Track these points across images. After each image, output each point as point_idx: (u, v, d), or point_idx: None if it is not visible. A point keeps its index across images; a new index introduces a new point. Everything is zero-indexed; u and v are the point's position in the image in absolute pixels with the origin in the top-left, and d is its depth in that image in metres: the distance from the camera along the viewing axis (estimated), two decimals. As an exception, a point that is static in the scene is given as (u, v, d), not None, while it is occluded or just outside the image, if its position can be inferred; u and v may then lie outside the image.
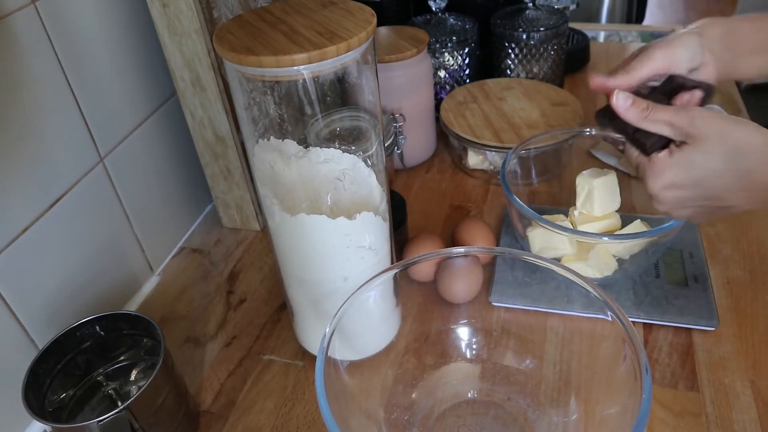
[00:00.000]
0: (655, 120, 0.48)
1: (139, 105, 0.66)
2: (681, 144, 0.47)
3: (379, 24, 0.53)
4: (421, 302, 0.56)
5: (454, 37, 0.88)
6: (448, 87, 0.92)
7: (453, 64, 0.90)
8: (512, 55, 0.91)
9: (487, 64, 0.96)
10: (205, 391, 0.57)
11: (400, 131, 0.74)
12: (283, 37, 0.41)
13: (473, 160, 0.81)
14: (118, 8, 0.61)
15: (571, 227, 0.61)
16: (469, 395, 0.53)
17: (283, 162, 0.50)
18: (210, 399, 0.56)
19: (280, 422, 0.54)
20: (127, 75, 0.64)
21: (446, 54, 0.89)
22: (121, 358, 0.54)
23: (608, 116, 0.52)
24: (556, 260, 0.59)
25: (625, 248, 0.58)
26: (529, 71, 0.92)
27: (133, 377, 0.54)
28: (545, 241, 0.60)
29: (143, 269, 0.69)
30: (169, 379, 0.48)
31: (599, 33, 1.24)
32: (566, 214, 0.66)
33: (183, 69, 0.63)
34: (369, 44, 0.44)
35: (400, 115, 0.75)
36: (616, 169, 0.66)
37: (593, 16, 1.88)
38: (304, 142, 0.52)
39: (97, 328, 0.51)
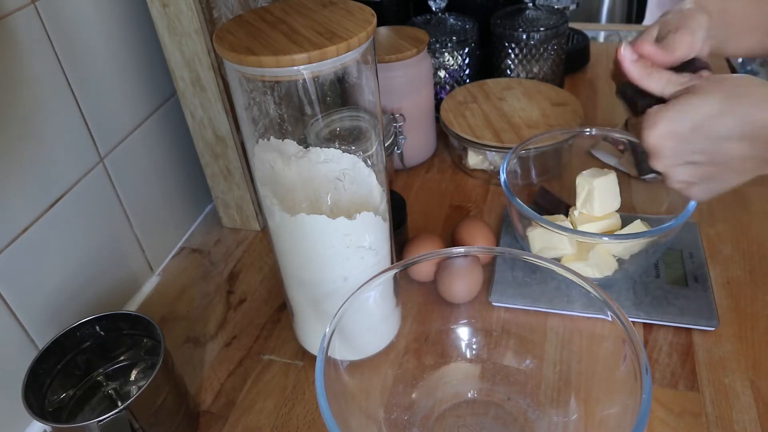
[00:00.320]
0: (656, 79, 0.48)
1: (139, 105, 0.66)
2: (678, 96, 0.47)
3: (379, 24, 0.53)
4: (421, 302, 0.56)
5: (454, 37, 0.87)
6: (448, 87, 0.92)
7: (453, 64, 0.90)
8: (512, 55, 0.91)
9: (487, 64, 0.96)
10: (205, 391, 0.57)
11: (400, 131, 0.74)
12: (283, 37, 0.41)
13: (473, 160, 0.81)
14: (118, 8, 0.61)
15: (571, 227, 0.61)
16: (469, 395, 0.53)
17: (283, 162, 0.50)
18: (210, 399, 0.56)
19: (280, 422, 0.53)
20: (127, 75, 0.64)
21: (446, 54, 0.89)
22: (121, 358, 0.54)
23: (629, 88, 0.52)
24: (556, 260, 0.59)
25: (625, 248, 0.58)
26: (529, 71, 0.92)
27: (133, 377, 0.54)
28: (545, 241, 0.60)
29: (143, 269, 0.69)
30: (169, 379, 0.48)
31: (599, 33, 1.24)
32: (566, 214, 0.66)
33: (183, 69, 0.63)
34: (369, 44, 0.44)
35: (400, 115, 0.75)
36: (616, 169, 0.66)
37: (593, 16, 1.88)
38: (304, 142, 0.51)
39: (97, 328, 0.51)
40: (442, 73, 0.91)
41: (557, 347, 0.52)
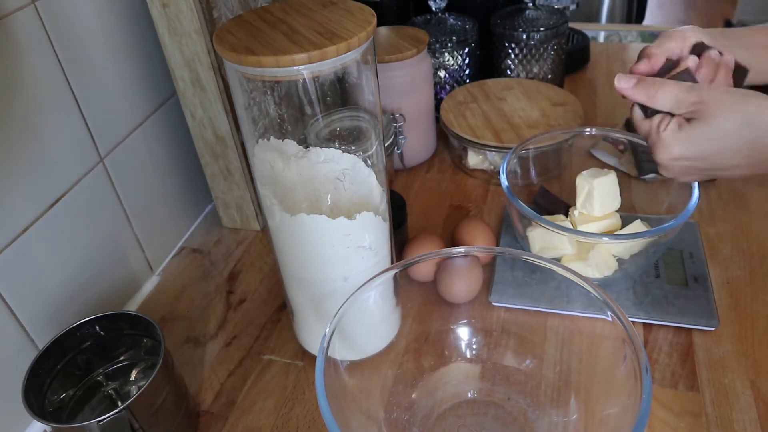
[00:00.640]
0: (662, 98, 0.49)
1: (139, 105, 0.66)
2: (690, 119, 0.48)
3: (379, 24, 0.53)
4: (421, 302, 0.56)
5: (454, 37, 0.88)
6: (448, 87, 0.92)
7: (453, 64, 0.90)
8: (512, 55, 0.91)
9: (487, 64, 0.96)
10: (205, 391, 0.57)
11: (400, 131, 0.74)
12: (283, 37, 0.41)
13: (473, 160, 0.81)
14: (118, 8, 0.61)
15: (571, 227, 0.61)
16: (469, 395, 0.53)
17: (283, 162, 0.50)
18: (210, 399, 0.56)
19: (280, 422, 0.54)
20: (127, 75, 0.64)
21: (446, 54, 0.89)
22: (121, 358, 0.54)
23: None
24: (556, 260, 0.59)
25: (625, 248, 0.58)
26: (529, 71, 0.92)
27: (133, 377, 0.54)
28: (545, 241, 0.60)
29: (143, 269, 0.69)
30: (169, 379, 0.48)
31: (599, 33, 1.24)
32: (566, 214, 0.66)
33: (183, 69, 0.63)
34: (369, 44, 0.44)
35: (400, 115, 0.75)
36: (616, 169, 0.66)
37: (593, 16, 1.88)
38: (304, 142, 0.51)
39: (97, 328, 0.51)
40: (442, 73, 0.91)
41: (557, 347, 0.52)
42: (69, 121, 0.57)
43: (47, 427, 0.45)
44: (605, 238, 0.57)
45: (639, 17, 1.94)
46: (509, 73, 0.93)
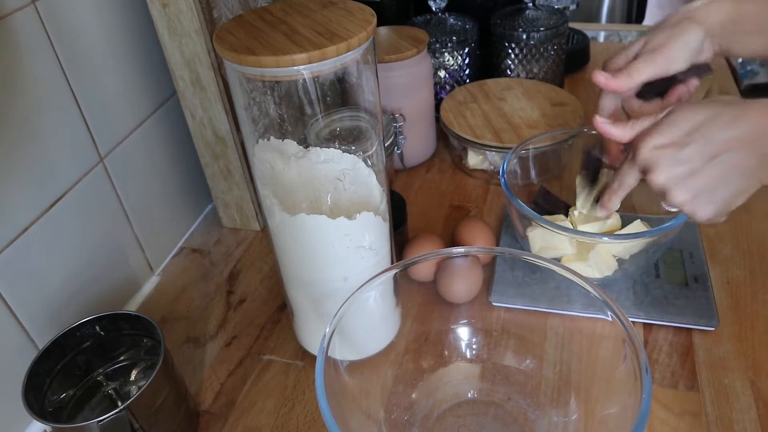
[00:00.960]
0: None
1: (139, 105, 0.66)
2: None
3: (379, 24, 0.53)
4: (421, 302, 0.56)
5: (454, 37, 0.87)
6: (448, 87, 0.92)
7: (453, 64, 0.90)
8: (512, 55, 0.91)
9: (487, 64, 0.96)
10: (205, 391, 0.57)
11: (400, 131, 0.74)
12: (283, 37, 0.41)
13: (473, 160, 0.81)
14: (117, 8, 0.61)
15: (571, 227, 0.61)
16: (469, 395, 0.53)
17: (283, 162, 0.50)
18: (210, 399, 0.56)
19: (280, 422, 0.53)
20: (127, 75, 0.64)
21: (446, 54, 0.89)
22: (121, 358, 0.54)
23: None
24: (556, 260, 0.59)
25: (625, 248, 0.58)
26: (529, 71, 0.92)
27: (133, 377, 0.54)
28: (545, 241, 0.60)
29: (143, 269, 0.69)
30: (169, 379, 0.48)
31: (599, 33, 1.24)
32: (566, 214, 0.66)
33: (183, 69, 0.63)
34: (369, 44, 0.44)
35: (400, 115, 0.75)
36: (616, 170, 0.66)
37: (593, 16, 1.88)
38: (304, 142, 0.52)
39: (97, 328, 0.51)
40: (442, 73, 0.91)
41: (557, 347, 0.52)
42: (69, 121, 0.57)
43: (47, 427, 0.45)
44: (605, 238, 0.57)
45: (639, 17, 1.93)
46: (509, 73, 0.93)
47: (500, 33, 0.90)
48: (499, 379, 0.53)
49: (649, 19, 2.00)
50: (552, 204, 0.67)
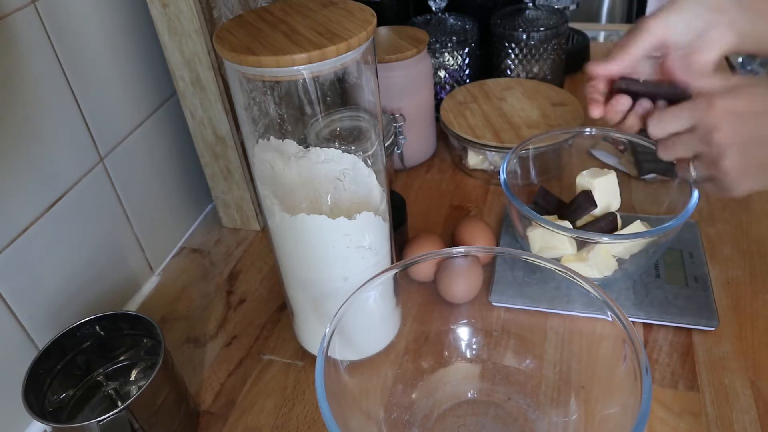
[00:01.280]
0: (675, 119, 0.47)
1: (139, 105, 0.66)
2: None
3: (379, 24, 0.53)
4: (421, 302, 0.56)
5: (454, 37, 0.87)
6: (448, 87, 0.92)
7: (453, 64, 0.90)
8: (512, 55, 0.91)
9: (487, 64, 0.96)
10: (205, 391, 0.57)
11: (400, 131, 0.74)
12: (283, 37, 0.41)
13: (473, 160, 0.81)
14: (118, 8, 0.61)
15: (571, 227, 0.61)
16: (469, 395, 0.53)
17: (283, 162, 0.50)
18: (210, 399, 0.56)
19: (280, 422, 0.53)
20: (127, 75, 0.64)
21: (446, 54, 0.89)
22: (121, 358, 0.54)
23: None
24: (556, 260, 0.59)
25: (625, 248, 0.58)
26: (529, 71, 0.92)
27: (133, 377, 0.54)
28: (545, 241, 0.60)
29: (143, 269, 0.69)
30: (169, 379, 0.48)
31: (599, 33, 1.24)
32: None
33: (183, 69, 0.63)
34: (369, 44, 0.44)
35: (400, 115, 0.75)
36: (616, 169, 0.66)
37: (593, 16, 1.88)
38: (304, 142, 0.52)
39: (97, 328, 0.51)
40: (442, 73, 0.91)
41: (557, 347, 0.52)
42: (69, 121, 0.57)
43: (47, 427, 0.45)
44: (605, 238, 0.57)
45: (639, 17, 1.93)
46: (509, 73, 0.93)
47: (500, 33, 0.90)
48: (499, 379, 0.53)
49: (649, 19, 1.99)
50: (552, 204, 0.67)
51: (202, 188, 0.76)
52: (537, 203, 0.67)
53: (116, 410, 0.43)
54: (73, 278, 0.58)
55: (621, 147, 0.76)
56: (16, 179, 0.52)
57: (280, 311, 0.65)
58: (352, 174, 0.51)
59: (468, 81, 0.92)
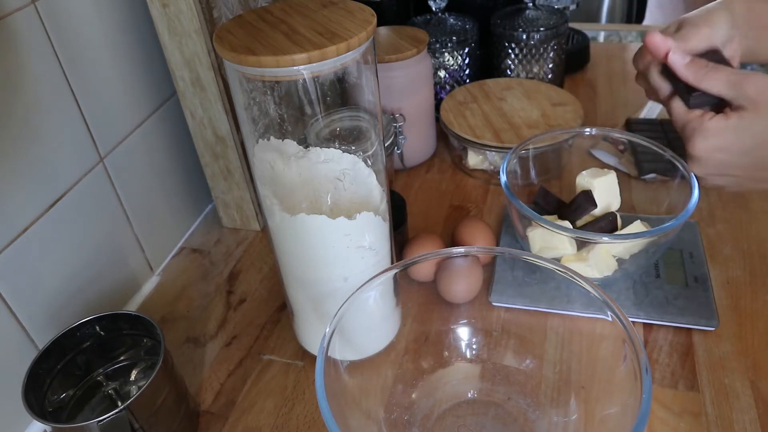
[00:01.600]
0: (714, 78, 0.47)
1: (139, 105, 0.66)
2: (737, 108, 0.46)
3: (379, 24, 0.53)
4: (421, 302, 0.56)
5: (454, 37, 0.87)
6: (448, 87, 0.92)
7: (453, 64, 0.90)
8: (512, 55, 0.91)
9: (487, 64, 0.96)
10: (205, 391, 0.57)
11: (400, 131, 0.74)
12: (283, 37, 0.41)
13: (473, 160, 0.81)
14: (118, 8, 0.61)
15: (571, 227, 0.61)
16: (469, 395, 0.53)
17: (283, 162, 0.50)
18: (210, 399, 0.56)
19: (280, 422, 0.53)
20: (127, 75, 0.64)
21: (446, 54, 0.89)
22: (121, 358, 0.54)
23: (665, 74, 0.52)
24: (556, 260, 0.59)
25: (625, 248, 0.58)
26: (529, 71, 0.92)
27: (133, 377, 0.54)
28: (545, 241, 0.60)
29: (143, 269, 0.69)
30: (169, 379, 0.48)
31: (599, 33, 1.24)
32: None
33: (183, 69, 0.63)
34: (369, 44, 0.44)
35: (400, 115, 0.75)
36: (616, 169, 0.66)
37: (593, 16, 1.88)
38: (304, 142, 0.52)
39: (97, 328, 0.51)
40: (442, 73, 0.91)
41: (557, 347, 0.52)
42: (69, 121, 0.57)
43: (47, 427, 0.45)
44: (605, 238, 0.57)
45: (639, 17, 1.93)
46: (509, 73, 0.93)
47: (500, 33, 0.90)
48: (499, 379, 0.53)
49: (649, 20, 2.00)
50: (552, 204, 0.67)
51: (202, 188, 0.76)
52: (537, 203, 0.67)
53: (116, 410, 0.43)
54: (73, 278, 0.58)
55: (621, 147, 0.76)
56: (16, 179, 0.52)
57: (280, 311, 0.65)
58: (352, 174, 0.51)
59: (468, 81, 0.92)
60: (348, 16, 0.44)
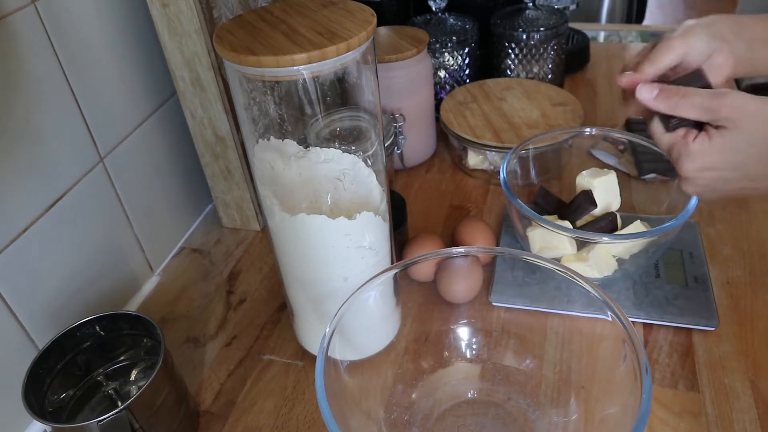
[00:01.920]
0: (687, 105, 0.47)
1: (139, 105, 0.66)
2: (719, 127, 0.46)
3: (379, 24, 0.53)
4: (421, 302, 0.56)
5: (454, 37, 0.88)
6: (448, 87, 0.92)
7: (453, 64, 0.90)
8: (512, 55, 0.91)
9: (487, 64, 0.96)
10: (205, 391, 0.57)
11: (400, 131, 0.74)
12: (283, 37, 0.41)
13: (473, 160, 0.81)
14: (118, 8, 0.61)
15: (571, 227, 0.61)
16: (469, 395, 0.53)
17: (283, 162, 0.50)
18: (210, 399, 0.56)
19: (280, 422, 0.54)
20: (127, 75, 0.64)
21: (446, 54, 0.89)
22: (121, 358, 0.54)
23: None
24: (556, 260, 0.59)
25: (625, 248, 0.58)
26: (529, 71, 0.92)
27: (133, 377, 0.54)
28: (545, 241, 0.60)
29: (143, 269, 0.69)
30: (169, 379, 0.48)
31: (599, 33, 1.24)
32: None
33: (183, 69, 0.63)
34: (369, 44, 0.44)
35: (400, 115, 0.75)
36: (616, 169, 0.66)
37: (593, 16, 1.88)
38: (304, 142, 0.52)
39: (97, 328, 0.51)
40: (442, 73, 0.91)
41: (557, 347, 0.52)
42: (69, 121, 0.57)
43: (47, 427, 0.45)
44: (605, 238, 0.57)
45: (639, 17, 1.94)
46: (509, 73, 0.93)
47: (500, 33, 0.90)
48: (499, 379, 0.53)
49: (649, 20, 2.00)
50: (552, 204, 0.67)
51: (202, 188, 0.76)
52: (537, 203, 0.67)
53: (116, 410, 0.43)
54: (73, 278, 0.58)
55: (621, 147, 0.76)
56: (17, 179, 0.52)
57: (280, 311, 0.65)
58: (352, 174, 0.51)
59: (468, 81, 0.92)
60: (348, 16, 0.44)
